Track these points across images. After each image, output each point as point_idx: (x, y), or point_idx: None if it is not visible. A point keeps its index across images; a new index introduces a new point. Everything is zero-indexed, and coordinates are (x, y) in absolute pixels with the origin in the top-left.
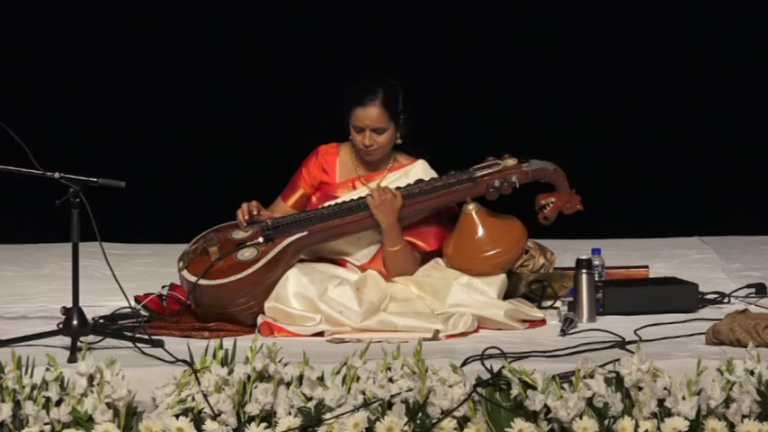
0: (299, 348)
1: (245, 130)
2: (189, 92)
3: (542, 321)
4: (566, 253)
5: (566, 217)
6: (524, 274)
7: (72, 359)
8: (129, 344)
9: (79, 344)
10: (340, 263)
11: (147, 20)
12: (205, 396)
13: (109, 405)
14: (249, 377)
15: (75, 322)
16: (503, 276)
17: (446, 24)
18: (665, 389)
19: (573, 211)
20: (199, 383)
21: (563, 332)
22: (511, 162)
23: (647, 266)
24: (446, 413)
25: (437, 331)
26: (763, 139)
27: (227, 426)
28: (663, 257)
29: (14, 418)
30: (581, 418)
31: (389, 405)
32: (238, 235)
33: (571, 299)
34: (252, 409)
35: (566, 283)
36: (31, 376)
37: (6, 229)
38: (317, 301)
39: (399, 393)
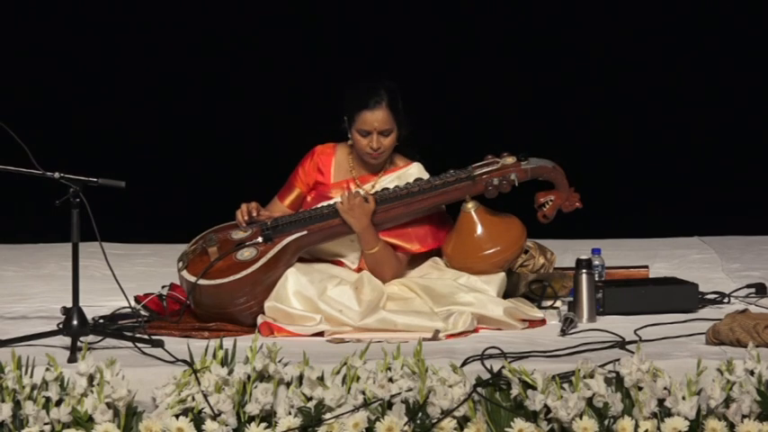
0: (299, 348)
1: (245, 130)
2: (189, 92)
3: (542, 321)
4: (566, 253)
5: (566, 217)
6: (524, 274)
7: (72, 359)
8: (129, 344)
9: (79, 344)
10: (337, 263)
11: (147, 20)
12: (205, 396)
13: (109, 405)
14: (249, 377)
15: (75, 322)
16: (502, 275)
17: (446, 24)
18: (665, 389)
19: (572, 209)
20: (199, 383)
21: (563, 332)
22: (510, 160)
23: (647, 266)
24: (446, 413)
25: (437, 331)
26: (763, 139)
27: (227, 426)
28: (663, 257)
29: (14, 418)
30: (581, 418)
31: (389, 405)
32: (238, 235)
33: (571, 299)
34: (252, 409)
35: (566, 283)
36: (31, 376)
37: (6, 229)
38: (317, 300)
39: (399, 393)
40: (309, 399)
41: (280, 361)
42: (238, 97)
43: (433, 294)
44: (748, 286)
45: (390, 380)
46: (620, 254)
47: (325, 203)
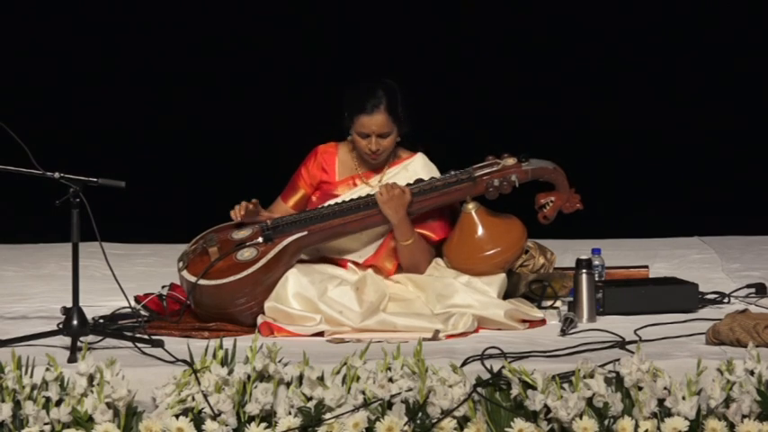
0: (299, 348)
1: (245, 130)
2: (189, 92)
3: (542, 321)
4: (566, 253)
5: (566, 217)
6: (524, 274)
7: (72, 359)
8: (129, 344)
9: (79, 344)
10: (340, 263)
11: (147, 19)
12: (205, 396)
13: (109, 405)
14: (249, 377)
15: (75, 322)
16: (503, 276)
17: (446, 24)
18: (665, 389)
19: (572, 210)
20: (199, 383)
21: (563, 332)
22: (510, 161)
23: (647, 266)
24: (446, 413)
25: (437, 331)
26: (764, 138)
27: (227, 426)
28: (663, 257)
29: (14, 418)
30: (581, 418)
31: (389, 405)
32: (238, 235)
33: (571, 299)
34: (252, 409)
35: (566, 283)
36: (31, 376)
37: (6, 229)
38: (317, 301)
39: (399, 393)
40: (309, 399)
41: (280, 361)
42: (238, 97)
43: (434, 293)
44: (748, 286)
45: (390, 380)
46: (620, 254)
47: (325, 204)
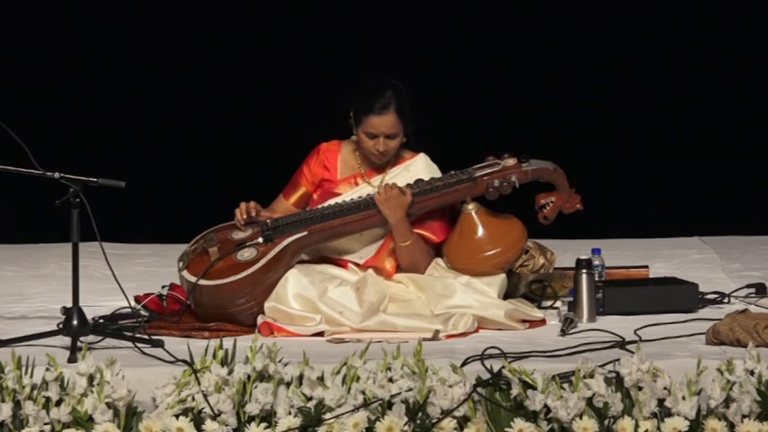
0: (299, 348)
1: (246, 129)
2: (189, 91)
3: (542, 321)
4: (566, 253)
5: (566, 217)
6: (524, 274)
7: (72, 359)
8: (129, 344)
9: (79, 344)
10: (341, 264)
11: (147, 19)
12: (205, 396)
13: (109, 405)
14: (249, 377)
15: (75, 322)
16: (503, 276)
17: (446, 23)
18: (665, 389)
19: (573, 210)
20: (199, 383)
21: (563, 332)
22: (510, 162)
23: (647, 266)
24: (446, 413)
25: (437, 331)
26: (764, 139)
27: (227, 426)
28: (663, 257)
29: (14, 418)
30: (581, 418)
31: (389, 405)
32: (238, 235)
33: (571, 299)
34: (252, 409)
35: (566, 283)
36: (31, 376)
37: (6, 229)
38: (317, 301)
39: (399, 393)
40: (309, 399)
41: (280, 361)
42: (239, 97)
43: (434, 294)
44: (748, 286)
45: (390, 380)
46: (620, 254)
47: (325, 204)
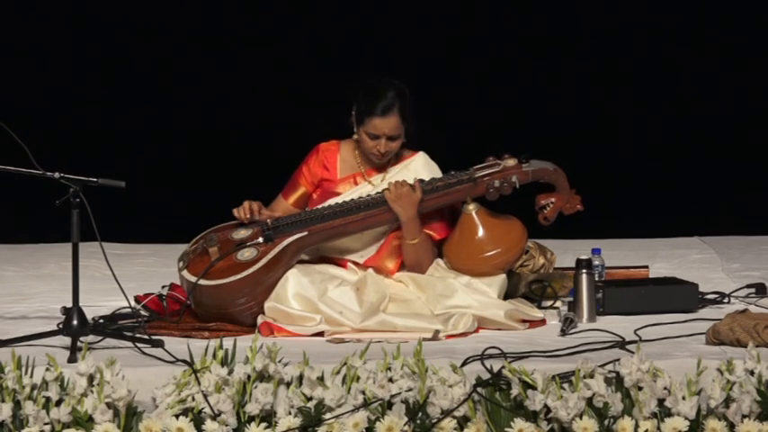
0: (299, 348)
1: (246, 129)
2: (189, 91)
3: (542, 321)
4: (566, 253)
5: (566, 217)
6: (524, 274)
7: (72, 359)
8: (129, 344)
9: (79, 344)
10: (341, 263)
11: (147, 19)
12: (205, 396)
13: (109, 405)
14: (249, 377)
15: (75, 322)
16: (503, 276)
17: (446, 23)
18: (665, 389)
19: (573, 211)
20: (199, 383)
21: (563, 332)
22: (511, 162)
23: (647, 266)
24: (446, 413)
25: (437, 331)
26: (764, 139)
27: (227, 426)
28: (663, 257)
29: (14, 418)
30: (581, 418)
31: (389, 405)
32: (238, 235)
33: (571, 299)
34: (252, 409)
35: (566, 283)
36: (31, 376)
37: (6, 229)
38: (317, 301)
39: (399, 393)
40: (309, 399)
41: (280, 361)
42: (239, 97)
43: (434, 294)
44: (748, 286)
45: (390, 380)
46: (620, 254)
47: (325, 204)
